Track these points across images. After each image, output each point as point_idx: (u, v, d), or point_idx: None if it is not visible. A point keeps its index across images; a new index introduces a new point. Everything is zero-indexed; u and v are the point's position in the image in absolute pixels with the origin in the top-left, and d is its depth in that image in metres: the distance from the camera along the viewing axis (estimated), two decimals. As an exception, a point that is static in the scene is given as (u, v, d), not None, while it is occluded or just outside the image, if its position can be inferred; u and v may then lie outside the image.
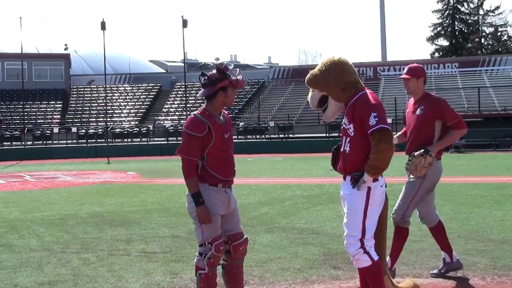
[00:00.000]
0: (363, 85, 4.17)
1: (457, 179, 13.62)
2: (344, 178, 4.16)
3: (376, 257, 4.08)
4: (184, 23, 38.68)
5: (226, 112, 4.50)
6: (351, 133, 4.06)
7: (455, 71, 44.51)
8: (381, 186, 4.07)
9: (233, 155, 4.49)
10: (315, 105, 4.31)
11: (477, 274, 5.36)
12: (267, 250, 6.62)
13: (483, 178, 14.05)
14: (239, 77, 4.39)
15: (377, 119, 3.88)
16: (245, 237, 4.52)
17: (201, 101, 45.89)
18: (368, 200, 4.02)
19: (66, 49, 61.12)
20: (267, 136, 35.00)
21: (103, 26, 35.66)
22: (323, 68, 4.15)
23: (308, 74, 4.23)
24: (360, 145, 4.01)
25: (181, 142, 4.38)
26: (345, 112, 4.13)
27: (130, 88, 51.24)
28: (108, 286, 5.37)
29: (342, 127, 4.20)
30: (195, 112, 4.37)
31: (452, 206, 9.50)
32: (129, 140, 37.43)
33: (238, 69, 4.44)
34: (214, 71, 4.37)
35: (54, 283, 5.49)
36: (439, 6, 63.12)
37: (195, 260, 4.40)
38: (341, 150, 4.17)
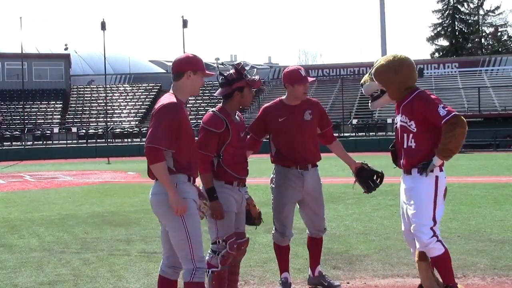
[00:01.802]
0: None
1: (457, 179, 13.62)
2: (409, 172, 4.30)
3: (446, 246, 4.21)
4: (184, 23, 38.70)
5: (240, 114, 4.59)
6: (414, 129, 4.24)
7: (455, 71, 44.49)
8: (445, 177, 4.27)
9: (246, 154, 4.58)
10: (369, 94, 4.54)
11: (477, 274, 5.36)
12: (267, 250, 6.62)
13: (483, 178, 14.06)
14: (256, 77, 4.47)
15: (446, 108, 4.09)
16: (247, 237, 4.57)
17: (201, 101, 45.93)
18: (437, 189, 4.20)
19: (66, 49, 61.07)
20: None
21: (103, 26, 35.65)
22: (390, 66, 4.32)
23: (379, 66, 4.39)
24: (426, 138, 4.20)
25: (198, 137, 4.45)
26: (400, 110, 4.33)
27: (130, 88, 51.21)
28: (108, 286, 5.38)
29: (399, 125, 4.35)
30: (213, 109, 4.46)
31: (452, 206, 9.50)
32: (129, 140, 37.46)
33: (255, 69, 4.50)
34: (232, 71, 4.45)
35: (54, 283, 5.49)
36: (439, 6, 63.12)
37: (207, 257, 4.42)
38: (404, 146, 4.31)
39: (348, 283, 5.28)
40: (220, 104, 4.51)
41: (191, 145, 3.88)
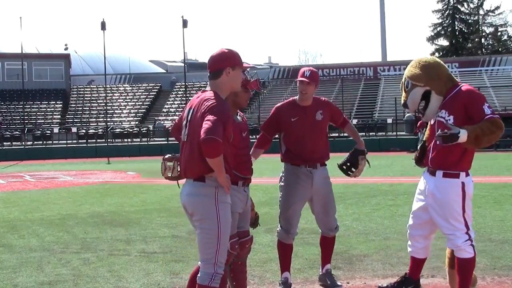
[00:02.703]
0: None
1: (457, 179, 13.59)
2: (434, 174, 4.24)
3: (475, 252, 4.22)
4: (184, 23, 38.69)
5: (241, 113, 4.60)
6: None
7: (455, 71, 44.42)
8: (472, 182, 4.24)
9: (250, 153, 4.59)
10: (417, 103, 4.31)
11: (477, 274, 5.34)
12: (267, 250, 6.62)
13: (483, 178, 14.05)
14: (252, 78, 4.47)
15: (491, 109, 4.04)
16: (251, 235, 4.62)
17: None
18: (464, 195, 4.19)
19: (66, 49, 61.13)
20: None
21: (103, 26, 35.65)
22: (420, 64, 4.24)
23: (406, 72, 4.28)
24: None
25: None
26: (442, 105, 4.22)
27: (130, 88, 51.22)
28: (108, 286, 5.37)
29: (436, 121, 4.24)
30: None
31: (452, 206, 9.50)
32: (129, 140, 37.46)
33: (255, 71, 4.50)
34: None
35: (54, 283, 5.49)
36: (439, 6, 63.08)
37: None
38: (437, 142, 4.18)
39: (348, 283, 5.27)
40: None
41: (230, 148, 3.88)
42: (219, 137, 3.50)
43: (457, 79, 4.36)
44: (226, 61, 3.80)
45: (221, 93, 3.79)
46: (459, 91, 4.16)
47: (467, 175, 4.17)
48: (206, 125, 3.53)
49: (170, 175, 4.01)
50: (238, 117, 4.51)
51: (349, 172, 5.17)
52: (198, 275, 3.85)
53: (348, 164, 5.15)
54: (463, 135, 3.98)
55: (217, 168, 3.61)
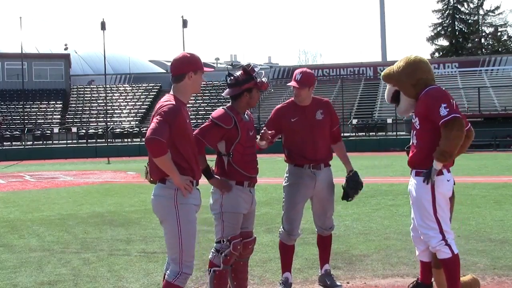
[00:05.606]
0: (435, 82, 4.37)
1: (457, 179, 13.54)
2: (411, 173, 4.30)
3: (456, 250, 4.17)
4: (184, 23, 38.73)
5: (249, 113, 4.63)
6: (417, 126, 4.25)
7: (455, 71, 44.48)
8: (448, 181, 4.18)
9: (256, 153, 4.60)
10: (389, 99, 4.53)
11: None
12: (267, 250, 6.62)
13: (483, 178, 14.06)
14: (264, 79, 4.51)
15: (448, 109, 3.99)
16: (254, 236, 4.64)
17: (201, 101, 45.89)
18: (433, 192, 4.11)
19: (66, 49, 61.14)
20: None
21: (103, 26, 35.67)
22: (399, 65, 4.36)
23: (385, 70, 4.45)
24: (428, 136, 4.16)
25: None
26: (415, 107, 4.30)
27: (130, 88, 51.20)
28: (108, 286, 5.37)
29: (412, 122, 4.40)
30: (224, 107, 4.49)
31: (452, 206, 9.49)
32: (129, 140, 37.47)
33: (263, 72, 4.53)
34: (241, 72, 4.50)
35: (54, 283, 5.49)
36: (439, 6, 63.12)
37: (210, 256, 4.47)
38: (410, 143, 4.35)
39: (348, 283, 5.27)
40: (229, 104, 4.53)
41: (190, 146, 3.87)
42: (162, 137, 3.55)
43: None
44: (188, 65, 3.86)
45: (182, 96, 3.87)
46: (421, 94, 4.21)
47: (440, 173, 4.11)
48: (151, 126, 3.63)
49: (150, 179, 4.09)
50: (246, 116, 4.54)
51: (349, 199, 5.15)
52: (167, 272, 3.92)
53: (349, 198, 5.11)
54: (435, 164, 4.04)
55: (165, 168, 3.66)
